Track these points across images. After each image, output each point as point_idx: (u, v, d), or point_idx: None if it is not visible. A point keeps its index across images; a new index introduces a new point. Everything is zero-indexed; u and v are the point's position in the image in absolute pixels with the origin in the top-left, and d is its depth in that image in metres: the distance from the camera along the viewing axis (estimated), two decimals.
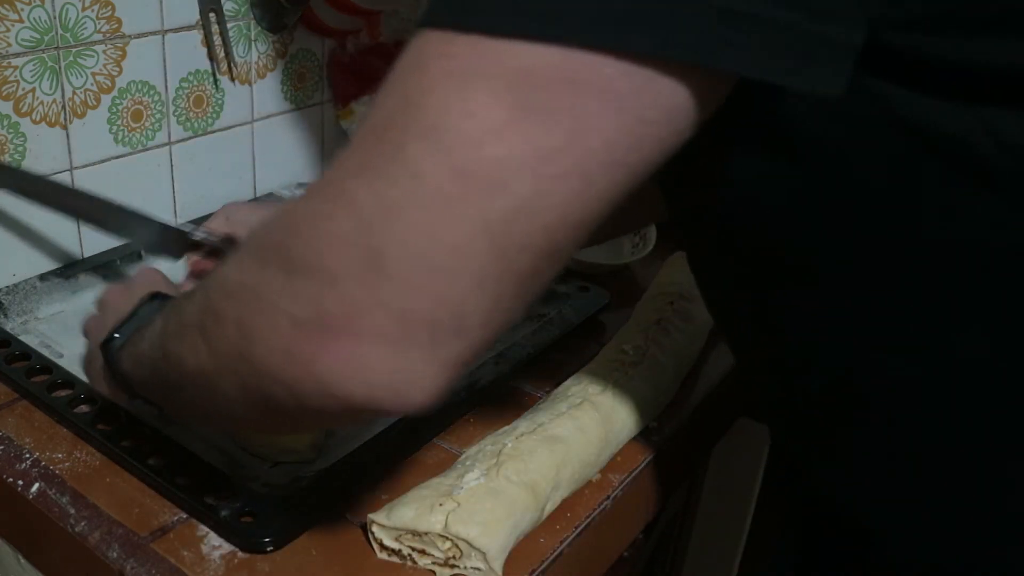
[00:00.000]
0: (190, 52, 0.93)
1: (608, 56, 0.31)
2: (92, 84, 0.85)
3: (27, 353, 0.73)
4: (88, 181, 0.87)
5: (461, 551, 0.56)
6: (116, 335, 0.55)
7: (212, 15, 0.93)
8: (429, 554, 0.57)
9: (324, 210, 0.35)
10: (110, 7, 0.84)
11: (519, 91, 0.31)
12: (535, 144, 0.32)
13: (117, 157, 0.89)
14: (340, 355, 0.34)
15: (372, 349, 0.34)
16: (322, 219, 0.34)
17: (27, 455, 0.64)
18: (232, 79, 0.98)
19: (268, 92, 1.03)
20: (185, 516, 0.60)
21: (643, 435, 0.72)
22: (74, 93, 0.83)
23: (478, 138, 0.32)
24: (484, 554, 0.56)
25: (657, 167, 0.35)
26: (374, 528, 0.58)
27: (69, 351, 0.77)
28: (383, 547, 0.58)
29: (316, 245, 0.34)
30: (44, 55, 0.80)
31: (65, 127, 0.84)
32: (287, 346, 0.35)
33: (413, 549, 0.57)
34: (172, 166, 0.95)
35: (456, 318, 0.34)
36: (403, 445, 0.67)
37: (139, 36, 0.87)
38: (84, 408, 0.67)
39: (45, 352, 0.74)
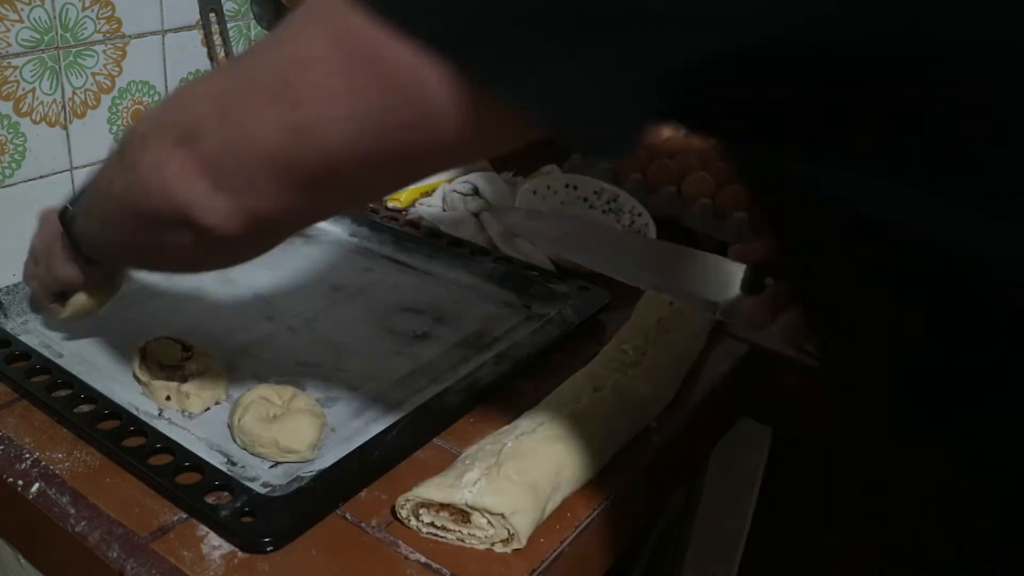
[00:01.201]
0: (190, 52, 0.93)
1: (393, 32, 0.37)
2: (92, 84, 0.85)
3: (27, 353, 0.73)
4: None
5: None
6: (69, 206, 0.66)
7: (212, 15, 0.93)
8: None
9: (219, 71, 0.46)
10: (110, 7, 0.84)
11: (339, 42, 0.39)
12: (328, 84, 0.40)
13: None
14: (179, 160, 0.46)
15: (200, 166, 0.46)
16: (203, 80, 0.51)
17: (27, 455, 0.64)
18: None
19: None
20: (185, 516, 0.60)
21: (643, 435, 0.72)
22: (74, 93, 0.84)
23: (301, 61, 0.41)
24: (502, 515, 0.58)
25: (429, 166, 0.45)
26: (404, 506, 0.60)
27: (69, 351, 0.77)
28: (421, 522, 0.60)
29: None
30: (44, 55, 0.80)
31: (65, 127, 0.84)
32: (158, 141, 0.48)
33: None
34: None
35: (250, 175, 0.45)
36: (403, 445, 0.67)
37: (139, 36, 0.88)
38: (84, 408, 0.67)
39: (45, 352, 0.74)
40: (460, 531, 0.59)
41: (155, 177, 0.48)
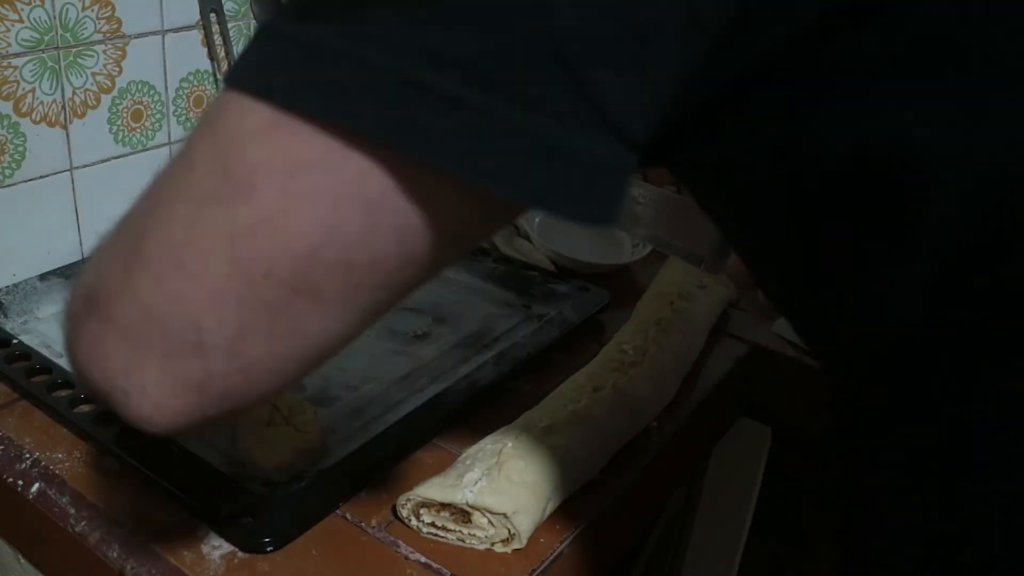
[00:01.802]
0: (190, 52, 0.93)
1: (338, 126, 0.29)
2: (92, 84, 0.85)
3: (27, 353, 0.73)
4: (88, 181, 0.87)
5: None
6: None
7: (212, 15, 0.93)
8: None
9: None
10: (110, 7, 0.84)
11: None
12: (289, 153, 0.30)
13: (117, 157, 0.89)
14: (90, 333, 0.34)
15: (113, 336, 0.33)
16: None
17: (27, 455, 0.64)
18: None
19: None
20: (185, 516, 0.60)
21: (643, 435, 0.72)
22: (74, 93, 0.83)
23: (242, 134, 0.30)
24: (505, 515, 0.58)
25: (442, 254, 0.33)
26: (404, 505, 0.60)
27: None
28: (422, 522, 0.60)
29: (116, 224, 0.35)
30: (44, 55, 0.80)
31: (65, 127, 0.84)
32: (72, 311, 0.35)
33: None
34: None
35: (192, 330, 0.32)
36: (403, 445, 0.67)
37: (139, 36, 0.87)
38: (84, 408, 0.67)
39: (45, 352, 0.74)
40: (460, 531, 0.59)
41: (73, 355, 0.35)
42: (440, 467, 0.63)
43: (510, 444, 0.63)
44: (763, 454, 0.93)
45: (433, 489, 0.60)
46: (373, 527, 0.61)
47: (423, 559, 0.58)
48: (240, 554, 0.57)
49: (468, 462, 0.62)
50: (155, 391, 0.33)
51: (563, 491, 0.64)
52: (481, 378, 0.75)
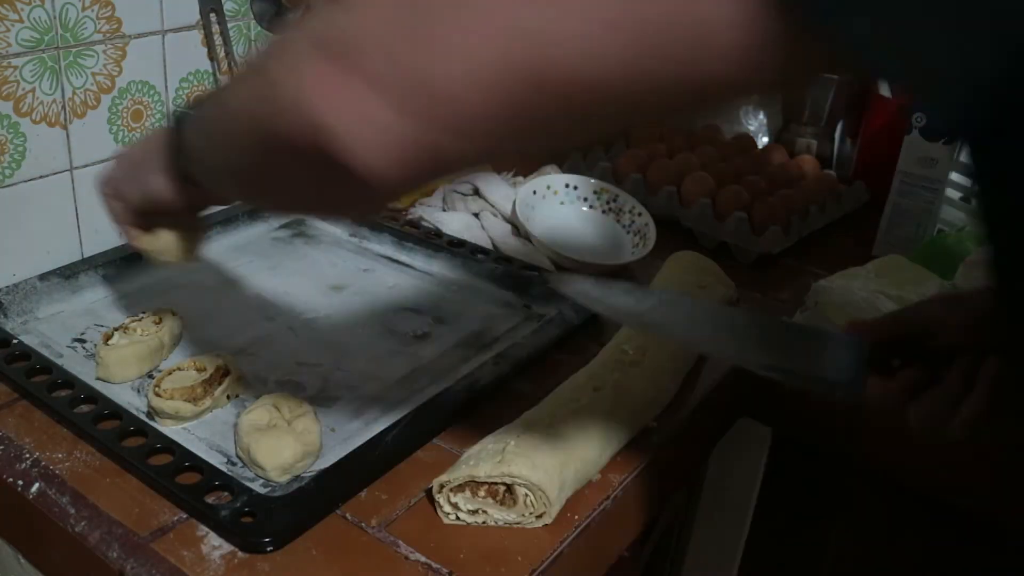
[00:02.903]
0: (190, 52, 0.93)
1: None
2: (92, 84, 0.85)
3: (27, 353, 0.73)
4: (88, 181, 0.87)
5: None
6: (188, 111, 0.57)
7: (212, 15, 0.93)
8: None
9: None
10: (110, 7, 0.84)
11: None
12: None
13: None
14: (329, 71, 0.37)
15: (353, 80, 0.36)
16: None
17: (27, 455, 0.64)
18: None
19: None
20: (185, 516, 0.60)
21: (643, 435, 0.72)
22: (74, 93, 0.84)
23: None
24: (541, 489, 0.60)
25: (702, 100, 0.35)
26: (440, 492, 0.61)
27: (69, 351, 0.77)
28: (455, 508, 0.61)
29: None
30: (44, 55, 0.80)
31: (65, 127, 0.84)
32: (300, 56, 0.38)
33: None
34: None
35: (440, 98, 0.35)
36: (403, 445, 0.67)
37: (139, 36, 0.88)
38: (84, 408, 0.67)
39: (45, 352, 0.74)
40: (487, 512, 0.61)
41: (294, 91, 0.38)
42: (440, 467, 0.63)
43: (512, 443, 0.63)
44: (763, 454, 0.93)
45: (480, 467, 0.60)
46: (373, 527, 0.61)
47: (423, 559, 0.58)
48: (240, 554, 0.57)
49: (471, 462, 0.62)
50: (384, 138, 0.36)
51: (566, 491, 0.63)
52: (481, 378, 0.75)
